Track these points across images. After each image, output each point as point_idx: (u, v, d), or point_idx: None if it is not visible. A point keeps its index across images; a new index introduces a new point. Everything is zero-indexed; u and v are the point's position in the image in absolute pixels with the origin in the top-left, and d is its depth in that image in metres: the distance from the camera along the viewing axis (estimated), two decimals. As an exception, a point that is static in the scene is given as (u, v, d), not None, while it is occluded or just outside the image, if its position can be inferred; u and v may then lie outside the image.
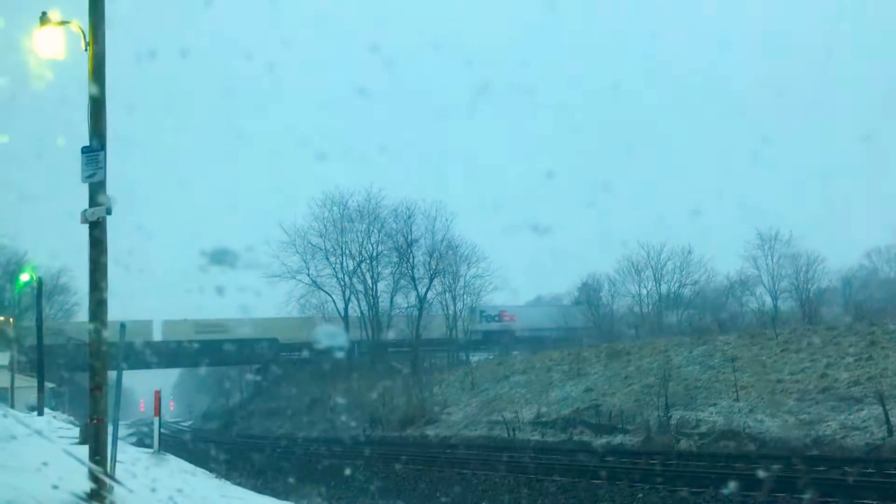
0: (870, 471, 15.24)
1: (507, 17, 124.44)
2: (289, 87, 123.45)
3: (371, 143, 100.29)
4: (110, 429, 9.63)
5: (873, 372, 21.76)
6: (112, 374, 10.27)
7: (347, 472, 26.71)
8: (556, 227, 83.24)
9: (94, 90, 8.77)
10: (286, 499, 18.50)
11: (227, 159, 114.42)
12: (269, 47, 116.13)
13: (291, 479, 25.43)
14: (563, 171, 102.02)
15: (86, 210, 8.75)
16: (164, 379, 67.33)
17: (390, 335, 52.55)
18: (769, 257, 50.81)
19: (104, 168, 8.78)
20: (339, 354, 51.42)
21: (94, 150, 8.78)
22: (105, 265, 8.66)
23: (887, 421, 18.07)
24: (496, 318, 58.12)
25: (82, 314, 40.96)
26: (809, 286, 48.90)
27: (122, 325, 10.79)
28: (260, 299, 53.60)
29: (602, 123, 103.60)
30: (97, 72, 8.79)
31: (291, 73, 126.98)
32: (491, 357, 46.49)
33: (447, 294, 53.18)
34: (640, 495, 16.64)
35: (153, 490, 10.24)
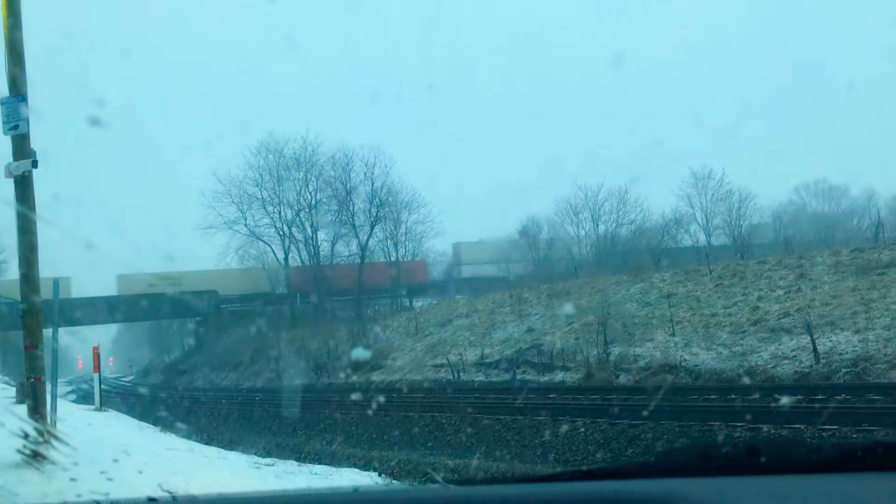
0: (798, 397, 15.96)
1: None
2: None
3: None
4: (48, 387, 9.44)
5: (802, 303, 22.63)
6: (47, 332, 10.03)
7: (293, 419, 26.85)
8: (499, 169, 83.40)
9: (9, 34, 8.36)
10: (232, 448, 18.51)
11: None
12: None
13: (236, 429, 25.44)
14: (505, 112, 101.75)
15: (10, 164, 8.43)
16: (104, 335, 65.95)
17: (333, 283, 52.38)
18: (703, 195, 52.13)
19: (27, 119, 8.43)
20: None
21: (14, 100, 8.42)
22: (33, 220, 8.39)
23: (814, 350, 18.87)
24: None
25: (11, 272, 39.67)
26: (741, 222, 50.44)
27: (56, 281, 10.53)
28: (197, 251, 52.60)
29: (543, 65, 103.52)
30: (11, 14, 8.36)
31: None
32: (435, 302, 46.80)
33: (389, 241, 53.11)
34: (583, 429, 17.16)
35: (96, 445, 10.12)
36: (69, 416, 14.67)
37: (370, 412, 23.85)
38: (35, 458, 7.17)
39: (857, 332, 19.36)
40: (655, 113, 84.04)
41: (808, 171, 63.73)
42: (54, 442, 7.62)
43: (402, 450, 19.93)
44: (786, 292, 24.42)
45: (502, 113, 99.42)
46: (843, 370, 17.82)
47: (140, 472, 8.32)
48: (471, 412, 20.65)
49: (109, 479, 7.08)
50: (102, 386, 22.21)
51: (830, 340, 19.36)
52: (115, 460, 8.58)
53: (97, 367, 20.56)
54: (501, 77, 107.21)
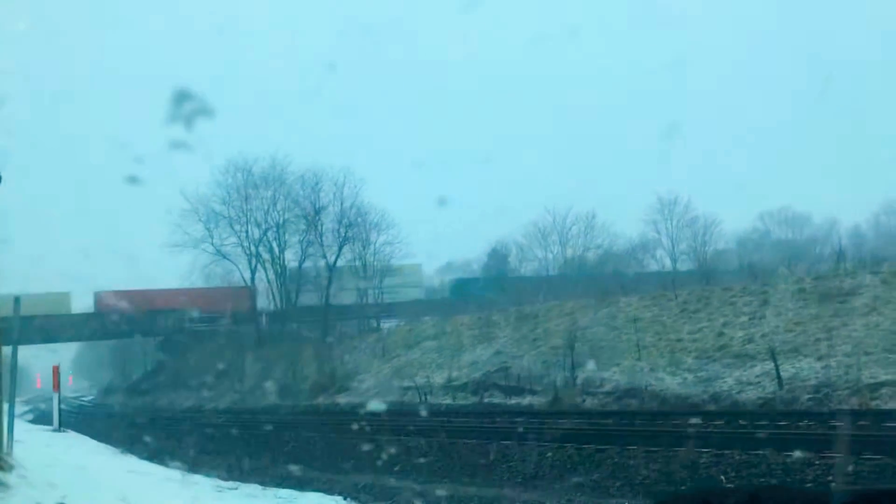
0: (762, 423, 16.09)
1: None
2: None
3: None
4: (5, 407, 9.20)
5: (766, 329, 22.91)
6: (6, 350, 9.79)
7: (255, 441, 26.48)
8: (467, 193, 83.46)
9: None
10: (194, 471, 18.19)
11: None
12: None
13: (198, 451, 24.98)
14: (471, 140, 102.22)
15: (-29, 178, 8.25)
16: (64, 353, 64.55)
17: (299, 303, 51.94)
18: (669, 221, 52.88)
19: (-10, 133, 8.27)
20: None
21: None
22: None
23: (778, 376, 19.09)
24: None
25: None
26: (706, 248, 51.20)
27: (17, 299, 10.30)
28: (162, 269, 51.94)
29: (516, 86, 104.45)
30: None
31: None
32: (402, 323, 46.62)
33: (357, 261, 52.86)
34: (549, 454, 17.11)
35: (53, 469, 9.87)
36: (26, 437, 14.33)
37: (335, 435, 23.60)
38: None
39: (819, 358, 19.62)
40: (623, 138, 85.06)
41: (772, 198, 64.84)
42: (9, 464, 7.42)
43: (366, 473, 19.70)
44: (750, 318, 24.70)
45: (477, 135, 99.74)
46: (806, 396, 18.04)
47: (99, 495, 8.13)
48: (438, 435, 20.52)
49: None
50: (62, 406, 21.75)
51: (794, 367, 19.60)
52: (73, 483, 8.38)
53: (57, 386, 20.14)
54: (474, 100, 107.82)
